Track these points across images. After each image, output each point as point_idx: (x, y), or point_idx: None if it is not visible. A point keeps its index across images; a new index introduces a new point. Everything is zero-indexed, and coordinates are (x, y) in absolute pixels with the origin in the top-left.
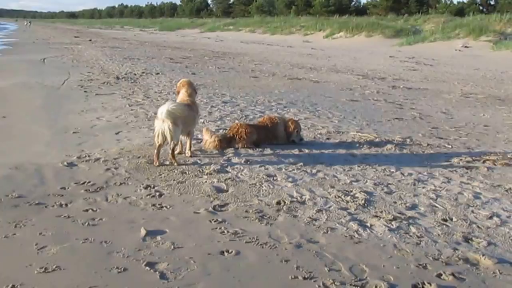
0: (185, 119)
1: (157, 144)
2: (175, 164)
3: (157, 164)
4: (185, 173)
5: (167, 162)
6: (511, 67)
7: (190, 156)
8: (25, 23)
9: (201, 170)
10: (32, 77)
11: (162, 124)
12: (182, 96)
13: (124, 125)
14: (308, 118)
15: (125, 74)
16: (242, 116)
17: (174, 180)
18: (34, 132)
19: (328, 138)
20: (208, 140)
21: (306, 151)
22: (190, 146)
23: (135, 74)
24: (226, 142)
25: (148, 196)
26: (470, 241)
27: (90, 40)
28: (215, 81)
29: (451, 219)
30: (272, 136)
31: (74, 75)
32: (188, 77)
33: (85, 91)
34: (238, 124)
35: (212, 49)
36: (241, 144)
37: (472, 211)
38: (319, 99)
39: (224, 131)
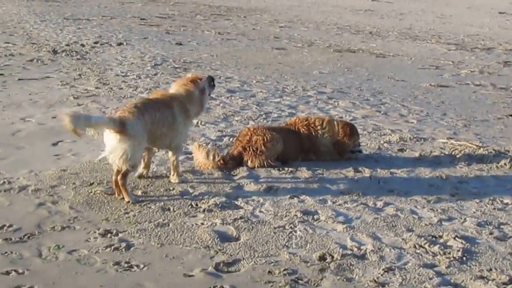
0: (152, 125)
1: (115, 168)
2: (127, 199)
3: (120, 196)
4: (169, 209)
5: (139, 192)
6: None
7: (177, 182)
8: None
9: (194, 205)
10: None
11: (110, 137)
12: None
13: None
14: (368, 117)
15: (67, 45)
16: (259, 114)
17: (150, 221)
18: None
19: (401, 150)
20: (202, 161)
21: (366, 171)
22: (176, 167)
23: (83, 45)
24: (233, 160)
25: (108, 249)
26: None
27: None
28: (214, 57)
29: None
30: (309, 148)
31: None
32: (173, 50)
33: (1, 74)
34: (251, 130)
35: (209, 2)
36: (258, 162)
37: None
38: (386, 84)
39: (230, 140)
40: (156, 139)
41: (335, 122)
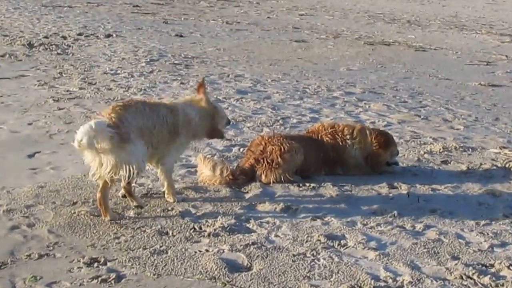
0: (144, 129)
1: (100, 184)
2: (134, 205)
3: (109, 217)
4: (167, 233)
5: (131, 212)
6: None
7: (174, 201)
8: None
9: (198, 228)
10: None
11: (95, 152)
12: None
13: (45, 139)
14: (405, 122)
15: (45, 37)
16: (275, 119)
17: (144, 247)
18: None
19: (445, 161)
20: (207, 175)
21: (403, 187)
22: (169, 185)
23: (64, 38)
24: (243, 174)
25: (95, 281)
26: None
27: None
28: (222, 51)
29: None
30: (336, 160)
31: None
32: (171, 44)
33: None
34: (266, 138)
35: None
36: (274, 176)
37: None
38: (427, 83)
39: (241, 150)
40: (150, 147)
41: (367, 131)
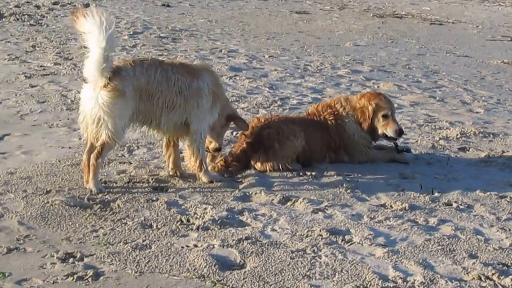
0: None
1: (88, 143)
2: (91, 186)
3: (94, 187)
4: (151, 226)
5: (109, 203)
6: None
7: (207, 181)
8: None
9: (185, 221)
10: None
11: (91, 96)
12: None
13: (15, 120)
14: (418, 104)
15: (17, 6)
16: (273, 100)
17: (125, 242)
18: None
19: (463, 149)
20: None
21: (416, 177)
22: (199, 159)
23: (38, 7)
24: (237, 161)
25: (70, 278)
26: None
27: None
28: (213, 23)
29: None
30: (338, 144)
31: None
32: (158, 14)
33: None
34: (262, 121)
35: None
36: (270, 164)
37: None
38: (443, 60)
39: (234, 134)
40: (156, 109)
41: (353, 97)
